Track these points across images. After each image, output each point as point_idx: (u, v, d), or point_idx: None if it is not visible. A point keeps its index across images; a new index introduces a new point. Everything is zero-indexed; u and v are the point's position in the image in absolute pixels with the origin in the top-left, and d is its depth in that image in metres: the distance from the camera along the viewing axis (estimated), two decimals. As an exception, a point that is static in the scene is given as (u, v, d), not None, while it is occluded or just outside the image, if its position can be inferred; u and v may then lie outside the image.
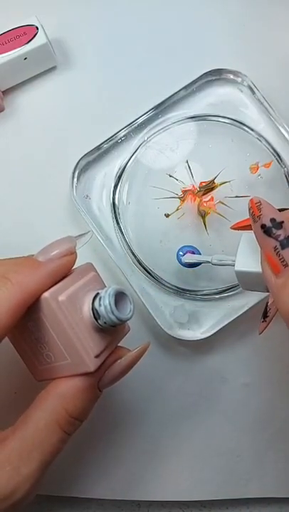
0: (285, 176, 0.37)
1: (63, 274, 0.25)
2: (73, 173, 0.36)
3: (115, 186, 0.37)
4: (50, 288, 0.24)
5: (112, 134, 0.37)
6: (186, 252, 0.34)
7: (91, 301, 0.25)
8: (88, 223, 0.35)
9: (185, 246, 0.35)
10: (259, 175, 0.37)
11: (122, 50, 0.40)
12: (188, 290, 0.35)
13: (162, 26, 0.41)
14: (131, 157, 0.37)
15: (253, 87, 0.37)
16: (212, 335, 0.34)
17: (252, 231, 0.24)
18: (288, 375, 0.36)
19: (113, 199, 0.37)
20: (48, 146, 0.38)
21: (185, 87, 0.37)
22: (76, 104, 0.39)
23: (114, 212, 0.36)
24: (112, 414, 0.35)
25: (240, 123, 0.38)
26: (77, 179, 0.37)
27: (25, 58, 0.37)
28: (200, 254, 0.35)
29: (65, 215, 0.37)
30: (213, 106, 0.38)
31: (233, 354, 0.36)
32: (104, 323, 0.24)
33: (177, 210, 0.36)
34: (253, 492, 0.36)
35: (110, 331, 0.25)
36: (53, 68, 0.40)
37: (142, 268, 0.36)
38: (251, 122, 0.38)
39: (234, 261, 0.27)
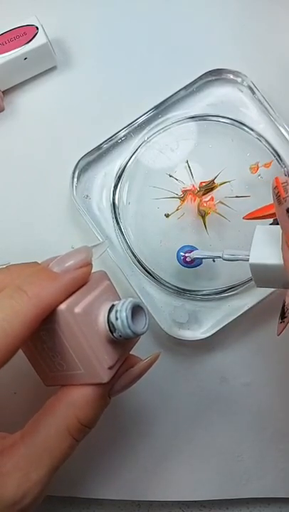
0: (285, 175, 0.37)
1: (79, 285, 0.24)
2: (73, 173, 0.36)
3: (115, 186, 0.37)
4: (65, 299, 0.23)
5: (112, 134, 0.37)
6: (186, 252, 0.34)
7: (106, 313, 0.24)
8: (88, 223, 0.35)
9: (185, 246, 0.35)
10: (259, 175, 0.37)
11: (122, 50, 0.40)
12: (188, 290, 0.35)
13: (162, 26, 0.41)
14: (131, 157, 0.37)
15: (253, 87, 0.37)
16: (212, 335, 0.34)
17: (267, 222, 0.23)
18: (288, 375, 0.36)
19: (113, 199, 0.37)
20: (48, 146, 0.38)
21: (185, 87, 0.37)
22: (76, 104, 0.39)
23: (114, 212, 0.36)
24: (111, 415, 0.35)
25: (240, 123, 0.38)
26: (77, 179, 0.37)
27: (25, 58, 0.37)
28: (200, 254, 0.35)
29: (65, 215, 0.37)
30: (213, 106, 0.38)
31: (233, 354, 0.36)
32: (120, 336, 0.24)
33: (177, 210, 0.36)
34: (253, 492, 0.36)
35: (123, 342, 0.25)
36: (53, 68, 0.40)
37: (142, 268, 0.36)
38: (251, 122, 0.38)
39: (247, 255, 0.25)
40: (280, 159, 0.37)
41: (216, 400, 0.36)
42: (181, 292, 0.35)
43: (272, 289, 0.35)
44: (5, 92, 0.39)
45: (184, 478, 0.36)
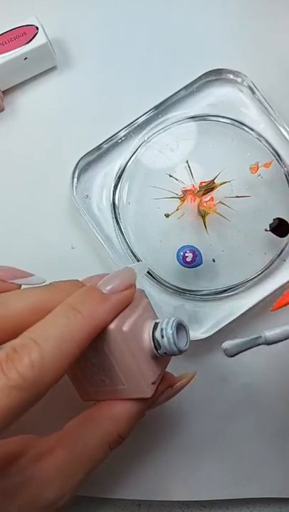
0: (285, 175, 0.37)
1: (125, 306, 0.26)
2: (73, 173, 0.36)
3: (115, 186, 0.37)
4: (113, 319, 0.25)
5: (112, 134, 0.37)
6: (186, 252, 0.34)
7: (151, 331, 0.25)
8: (88, 223, 0.35)
9: (185, 246, 0.35)
10: (259, 175, 0.37)
11: (122, 50, 0.40)
12: (188, 290, 0.35)
13: (162, 26, 0.41)
14: (131, 157, 0.37)
15: (253, 87, 0.37)
16: (212, 335, 0.34)
17: None
18: (288, 375, 0.36)
19: (113, 199, 0.37)
20: (48, 146, 0.38)
21: (185, 87, 0.37)
22: (76, 104, 0.39)
23: (114, 212, 0.36)
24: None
25: (240, 123, 0.38)
26: (77, 179, 0.37)
27: (26, 58, 0.37)
28: (200, 254, 0.35)
29: (65, 215, 0.37)
30: (213, 106, 0.38)
31: (233, 354, 0.36)
32: (164, 353, 0.25)
33: (177, 210, 0.36)
34: (253, 492, 0.36)
35: (164, 358, 0.26)
36: (53, 68, 0.40)
37: (142, 268, 0.36)
38: (251, 122, 0.38)
39: None
40: (280, 159, 0.37)
41: (216, 400, 0.36)
42: (181, 292, 0.35)
43: (272, 290, 0.35)
44: (5, 92, 0.39)
45: (184, 478, 0.36)
